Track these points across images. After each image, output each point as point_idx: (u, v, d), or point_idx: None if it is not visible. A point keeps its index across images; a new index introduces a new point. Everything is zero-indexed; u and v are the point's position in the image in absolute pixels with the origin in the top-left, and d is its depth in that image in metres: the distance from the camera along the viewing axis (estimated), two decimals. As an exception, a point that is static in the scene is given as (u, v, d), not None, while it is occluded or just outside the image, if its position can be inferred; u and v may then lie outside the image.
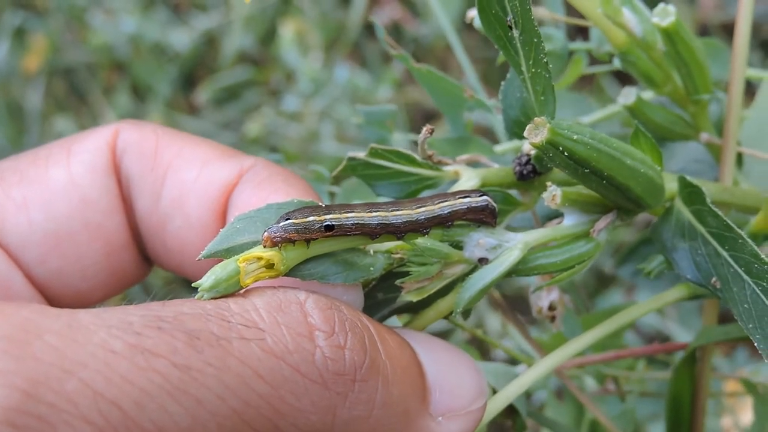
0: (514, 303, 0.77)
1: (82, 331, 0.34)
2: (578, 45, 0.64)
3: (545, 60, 0.43)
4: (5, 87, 1.99)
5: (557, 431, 0.69)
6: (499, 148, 0.61)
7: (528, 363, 0.63)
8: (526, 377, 0.51)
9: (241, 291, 0.41)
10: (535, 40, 0.42)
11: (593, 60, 0.67)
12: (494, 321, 1.37)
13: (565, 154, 0.43)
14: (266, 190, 0.48)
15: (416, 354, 0.44)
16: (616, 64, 0.61)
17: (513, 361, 0.73)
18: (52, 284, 0.50)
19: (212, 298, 0.39)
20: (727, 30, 1.64)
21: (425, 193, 0.52)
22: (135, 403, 0.34)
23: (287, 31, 1.75)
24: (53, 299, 0.51)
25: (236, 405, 0.36)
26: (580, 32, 0.69)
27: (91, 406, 0.33)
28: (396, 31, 1.98)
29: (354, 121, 0.64)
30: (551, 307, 0.61)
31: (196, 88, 1.98)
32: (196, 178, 0.50)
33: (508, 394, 0.51)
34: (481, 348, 1.29)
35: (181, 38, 1.94)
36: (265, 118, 1.68)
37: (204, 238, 0.50)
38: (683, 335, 1.31)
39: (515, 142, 0.61)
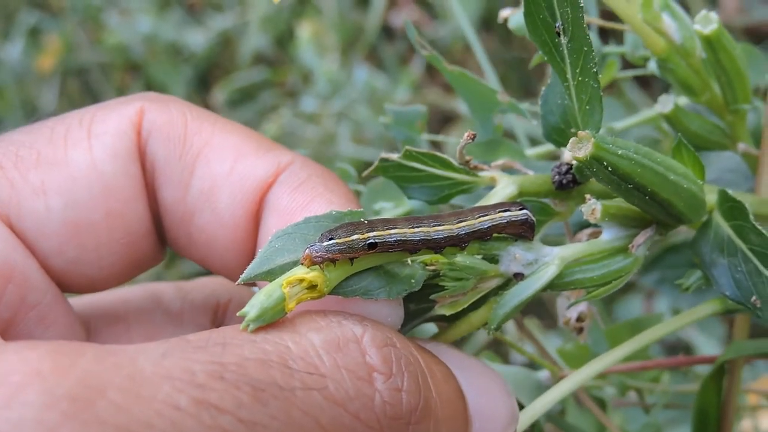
0: (530, 306, 0.76)
1: (145, 385, 0.32)
2: (612, 49, 0.63)
3: (594, 69, 0.42)
4: (20, 86, 1.99)
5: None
6: (530, 152, 0.60)
7: (552, 370, 0.62)
8: (552, 394, 0.50)
9: (288, 315, 0.39)
10: (585, 48, 0.41)
11: (625, 64, 0.66)
12: (509, 328, 1.36)
13: (609, 169, 0.42)
14: (306, 194, 0.46)
15: (459, 383, 0.43)
16: (650, 68, 0.60)
17: (533, 365, 0.72)
18: (68, 274, 0.48)
19: (258, 328, 0.38)
20: (750, 33, 1.63)
21: (458, 199, 0.51)
22: None
23: (305, 31, 1.75)
24: (66, 287, 0.48)
25: None
26: (608, 35, 0.68)
27: None
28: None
29: (382, 120, 0.63)
30: (579, 319, 0.60)
31: (211, 89, 1.97)
32: (229, 172, 0.48)
33: (534, 412, 0.50)
34: (498, 352, 1.28)
35: (197, 38, 1.93)
36: (282, 119, 1.67)
37: (235, 236, 0.48)
38: (704, 343, 1.30)
39: (545, 147, 0.60)
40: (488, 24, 1.89)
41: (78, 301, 0.53)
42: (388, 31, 2.03)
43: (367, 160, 1.59)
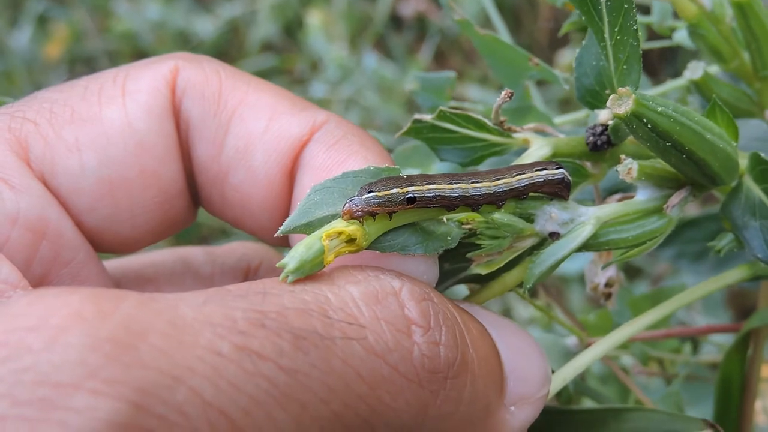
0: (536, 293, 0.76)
1: (186, 330, 0.32)
2: (639, 19, 0.63)
3: (634, 27, 0.42)
4: (28, 73, 1.99)
5: (601, 402, 0.68)
6: (559, 120, 0.60)
7: (580, 336, 0.62)
8: (583, 359, 0.51)
9: (326, 269, 0.39)
10: (626, 6, 0.41)
11: (649, 38, 0.66)
12: (522, 309, 1.36)
13: (649, 126, 0.42)
14: (342, 152, 0.46)
15: (494, 342, 0.43)
16: (677, 39, 0.61)
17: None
18: (101, 231, 0.47)
19: (296, 280, 0.38)
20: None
21: (489, 162, 0.51)
22: (243, 412, 0.32)
23: (314, 18, 1.75)
24: (99, 246, 0.48)
25: (337, 408, 0.35)
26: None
27: (200, 417, 0.31)
28: (421, 22, 1.98)
29: (408, 87, 0.63)
30: (608, 284, 0.60)
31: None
32: (264, 131, 0.47)
33: (565, 375, 0.50)
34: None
35: (206, 26, 1.94)
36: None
37: (269, 194, 0.48)
38: (710, 328, 1.29)
39: (574, 115, 0.60)
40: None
41: (108, 264, 0.53)
42: (396, 21, 2.03)
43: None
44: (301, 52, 1.94)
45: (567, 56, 1.57)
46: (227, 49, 2.06)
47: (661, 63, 1.78)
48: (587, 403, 0.68)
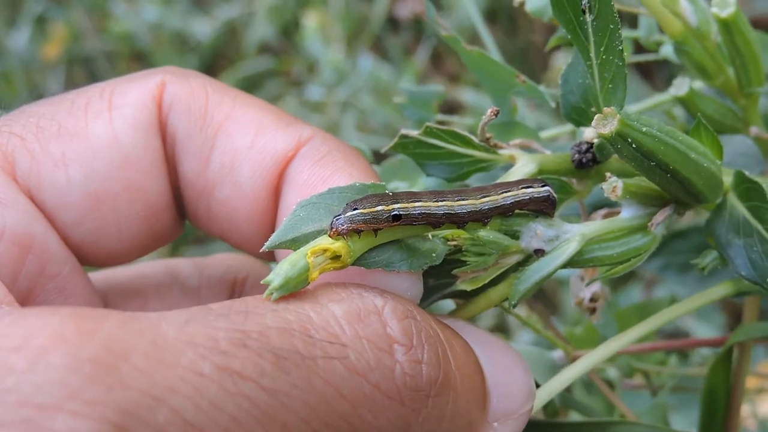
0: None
1: (168, 350, 0.33)
2: (626, 33, 0.63)
3: (620, 48, 0.42)
4: (26, 74, 1.99)
5: (587, 415, 0.68)
6: (545, 134, 0.60)
7: (566, 350, 0.62)
8: (569, 373, 0.51)
9: (309, 286, 0.40)
10: (611, 26, 0.42)
11: (638, 48, 0.67)
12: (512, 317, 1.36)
13: (633, 146, 0.42)
14: (327, 168, 0.46)
15: (478, 358, 0.43)
16: (664, 53, 0.61)
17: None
18: (87, 246, 0.48)
19: (280, 298, 0.38)
20: (754, 25, 1.63)
21: (475, 178, 0.52)
22: None
23: (311, 21, 1.75)
24: (85, 260, 0.49)
25: (318, 427, 0.35)
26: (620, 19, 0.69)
27: None
28: (418, 25, 1.98)
29: (396, 100, 0.63)
30: (593, 299, 0.60)
31: (217, 78, 1.98)
32: (250, 146, 0.48)
33: (551, 390, 0.50)
34: (504, 333, 1.29)
35: (203, 28, 1.94)
36: (287, 107, 1.67)
37: (255, 209, 0.48)
38: (704, 333, 1.30)
39: (562, 128, 0.61)
40: (493, 16, 1.90)
41: (95, 276, 0.53)
42: (393, 23, 2.03)
43: (372, 148, 1.59)
44: (298, 54, 1.94)
45: (562, 59, 1.58)
46: (224, 50, 2.06)
47: (656, 66, 1.79)
48: (573, 416, 0.68)
